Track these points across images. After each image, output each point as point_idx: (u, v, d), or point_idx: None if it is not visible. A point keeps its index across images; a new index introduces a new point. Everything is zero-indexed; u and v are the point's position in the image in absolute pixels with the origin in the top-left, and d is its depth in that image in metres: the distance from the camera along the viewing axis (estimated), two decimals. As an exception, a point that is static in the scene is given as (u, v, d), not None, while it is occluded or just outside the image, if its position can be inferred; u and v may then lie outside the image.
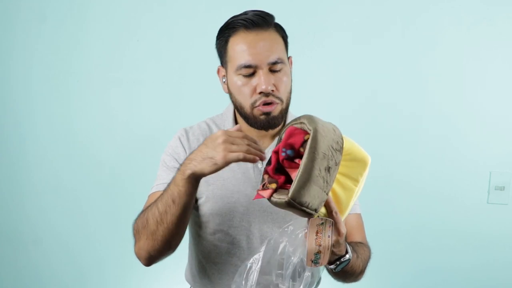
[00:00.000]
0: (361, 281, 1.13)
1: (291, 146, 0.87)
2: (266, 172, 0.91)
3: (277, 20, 1.05)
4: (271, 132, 1.07)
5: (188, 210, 0.92)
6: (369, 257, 1.09)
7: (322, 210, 0.86)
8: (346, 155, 0.87)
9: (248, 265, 0.92)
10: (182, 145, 1.09)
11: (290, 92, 1.06)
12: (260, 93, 0.99)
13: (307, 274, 0.90)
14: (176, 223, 0.91)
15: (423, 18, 1.71)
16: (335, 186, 0.87)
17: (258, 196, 0.88)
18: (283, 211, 0.85)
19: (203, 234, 1.09)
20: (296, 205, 0.80)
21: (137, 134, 1.85)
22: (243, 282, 0.91)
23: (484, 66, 1.70)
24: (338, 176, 0.87)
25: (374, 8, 1.72)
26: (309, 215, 0.84)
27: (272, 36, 1.01)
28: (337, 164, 0.84)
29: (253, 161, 0.85)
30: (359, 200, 1.17)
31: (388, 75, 1.74)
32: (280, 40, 1.03)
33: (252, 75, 1.00)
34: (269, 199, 0.86)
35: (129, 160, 1.85)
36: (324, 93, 1.76)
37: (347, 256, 0.94)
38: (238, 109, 1.06)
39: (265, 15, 1.02)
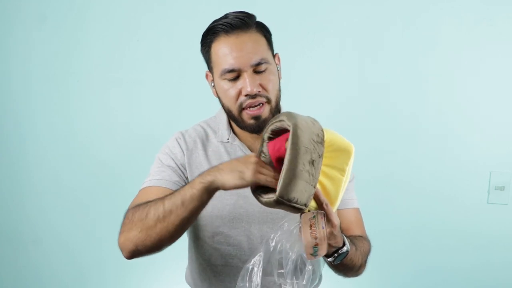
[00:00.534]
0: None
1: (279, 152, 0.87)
2: None
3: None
4: None
5: (193, 217, 0.90)
6: (369, 250, 1.09)
7: (313, 204, 0.86)
8: (329, 146, 0.87)
9: (250, 268, 0.92)
10: (180, 146, 1.09)
11: (279, 90, 1.05)
12: (246, 95, 0.99)
13: (309, 268, 0.91)
14: (177, 225, 0.88)
15: (423, 18, 1.71)
16: (322, 178, 0.87)
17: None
18: (282, 210, 0.85)
19: (202, 237, 1.09)
20: (285, 202, 0.81)
21: (137, 134, 1.85)
22: (247, 285, 0.90)
23: (484, 66, 1.70)
24: (324, 168, 0.87)
25: (374, 8, 1.72)
26: (299, 211, 0.84)
27: (253, 37, 1.00)
28: (320, 156, 0.84)
29: None
30: (357, 195, 1.17)
31: (388, 75, 1.74)
32: (262, 40, 1.02)
33: (237, 78, 1.00)
34: (259, 199, 0.87)
35: (129, 160, 1.85)
36: (324, 93, 1.76)
37: (345, 248, 0.94)
38: (227, 112, 1.07)
39: (244, 16, 1.01)
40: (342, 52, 1.74)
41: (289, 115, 0.86)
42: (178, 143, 1.09)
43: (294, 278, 0.89)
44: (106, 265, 1.93)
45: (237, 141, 1.09)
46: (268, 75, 1.01)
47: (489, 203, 1.75)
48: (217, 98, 1.09)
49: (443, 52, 1.71)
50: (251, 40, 1.00)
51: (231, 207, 1.06)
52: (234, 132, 1.11)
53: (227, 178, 0.84)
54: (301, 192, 0.81)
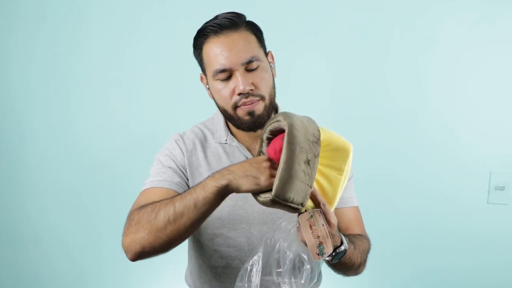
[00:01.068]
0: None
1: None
2: None
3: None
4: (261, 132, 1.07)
5: (204, 219, 0.89)
6: (368, 249, 1.09)
7: (310, 203, 0.86)
8: (326, 146, 0.87)
9: (248, 268, 0.91)
10: (179, 147, 1.09)
11: (273, 88, 1.05)
12: (240, 94, 0.99)
13: (307, 267, 0.90)
14: (188, 227, 0.87)
15: (423, 18, 1.71)
16: (320, 178, 0.87)
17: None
18: (282, 211, 0.85)
19: (202, 239, 1.09)
20: (281, 202, 0.81)
21: (137, 134, 1.85)
22: (246, 285, 0.90)
23: (484, 66, 1.70)
24: (321, 168, 0.87)
25: (374, 8, 1.72)
26: (296, 210, 0.84)
27: (243, 35, 1.00)
28: (316, 156, 0.84)
29: None
30: (356, 195, 1.17)
31: (388, 75, 1.74)
32: (252, 38, 1.02)
33: (229, 78, 1.00)
34: (256, 198, 0.86)
35: (129, 160, 1.85)
36: (324, 93, 1.76)
37: (343, 247, 0.93)
38: (223, 113, 1.07)
39: (233, 16, 1.01)
40: (342, 52, 1.74)
41: (286, 115, 0.87)
42: (178, 145, 1.09)
43: (292, 277, 0.89)
44: (106, 265, 1.93)
45: (235, 142, 1.09)
46: (260, 73, 1.01)
47: (489, 203, 1.74)
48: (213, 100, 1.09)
49: (443, 52, 1.71)
50: (241, 39, 1.00)
51: (231, 208, 1.05)
52: (231, 133, 1.11)
53: (242, 182, 0.85)
54: (297, 192, 0.81)
